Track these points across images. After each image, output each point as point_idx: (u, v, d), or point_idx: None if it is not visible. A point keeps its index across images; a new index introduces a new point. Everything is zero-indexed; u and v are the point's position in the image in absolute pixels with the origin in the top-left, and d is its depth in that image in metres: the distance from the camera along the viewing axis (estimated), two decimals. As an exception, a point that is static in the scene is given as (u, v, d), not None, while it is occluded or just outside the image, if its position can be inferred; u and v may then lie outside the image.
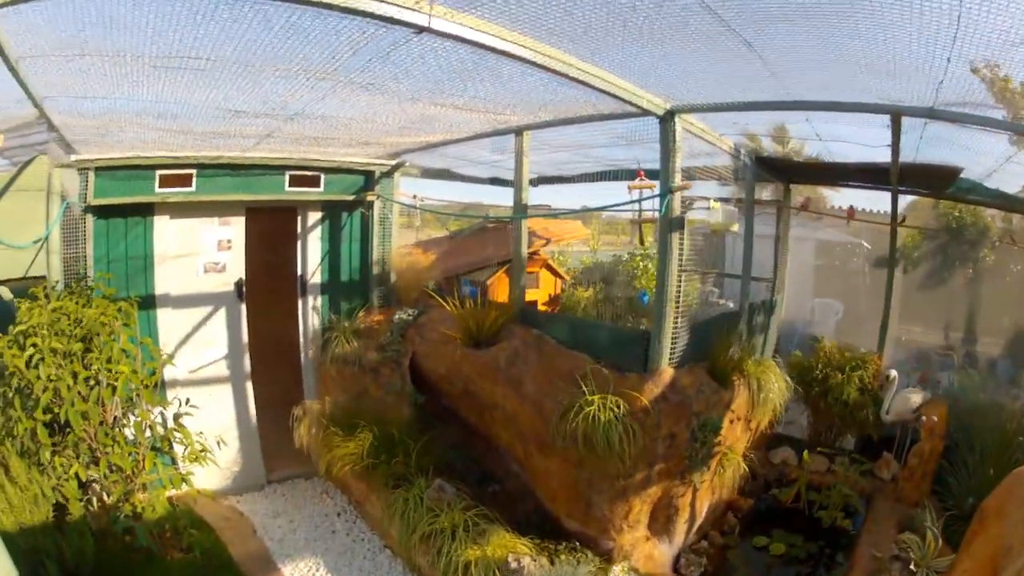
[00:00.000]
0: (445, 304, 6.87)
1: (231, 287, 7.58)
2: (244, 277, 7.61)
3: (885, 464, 6.50)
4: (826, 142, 6.50)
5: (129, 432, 5.59)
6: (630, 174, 7.32)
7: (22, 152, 6.32)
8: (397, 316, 7.49)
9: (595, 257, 10.92)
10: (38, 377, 5.07)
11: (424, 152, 7.68)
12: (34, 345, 5.12)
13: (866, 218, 9.17)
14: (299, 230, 7.92)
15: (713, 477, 5.64)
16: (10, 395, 5.10)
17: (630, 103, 4.60)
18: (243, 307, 7.66)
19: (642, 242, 8.86)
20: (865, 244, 12.18)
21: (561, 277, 8.24)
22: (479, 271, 8.05)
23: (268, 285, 7.92)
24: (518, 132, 6.30)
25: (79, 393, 5.19)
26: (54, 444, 5.21)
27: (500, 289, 7.79)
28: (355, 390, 7.25)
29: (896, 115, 4.99)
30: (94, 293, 5.96)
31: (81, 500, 5.31)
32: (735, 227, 6.16)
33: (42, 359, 5.13)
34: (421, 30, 3.18)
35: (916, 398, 6.48)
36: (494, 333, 6.30)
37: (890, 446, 6.68)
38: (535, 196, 7.81)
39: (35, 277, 6.19)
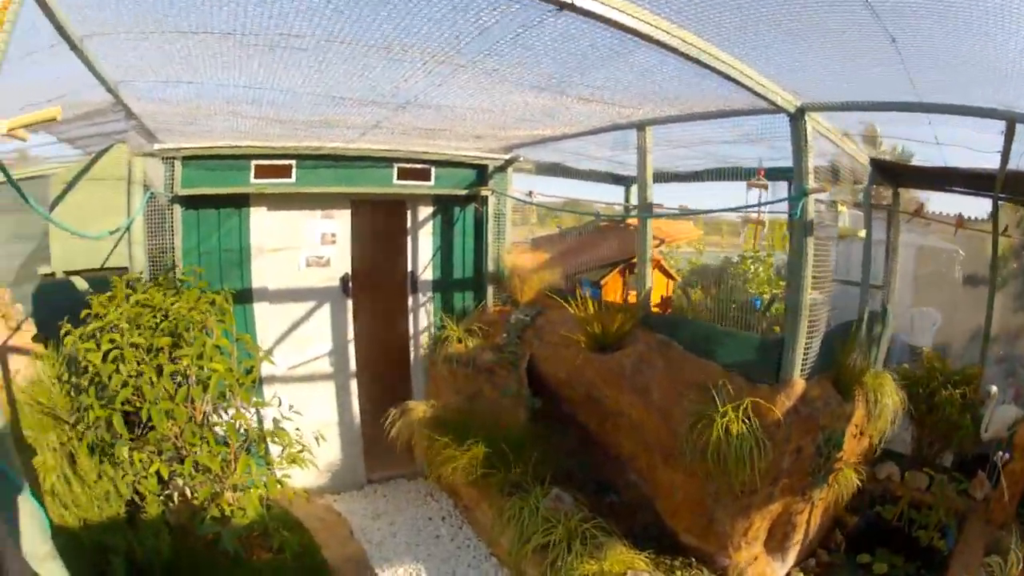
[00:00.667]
0: (566, 305, 6.10)
1: (336, 282, 6.83)
2: (350, 272, 6.87)
3: (979, 483, 5.82)
4: (939, 146, 5.81)
5: (221, 431, 4.90)
6: (746, 173, 6.43)
7: (96, 141, 5.66)
8: (514, 316, 6.66)
9: (701, 258, 10.13)
10: (117, 371, 4.38)
11: (535, 146, 6.85)
12: (112, 341, 4.47)
13: (969, 226, 8.08)
14: (409, 225, 7.14)
15: (827, 493, 5.17)
16: (84, 385, 4.50)
17: (765, 98, 4.03)
18: (349, 303, 6.93)
19: (767, 244, 8.21)
20: (960, 252, 10.94)
21: (672, 278, 7.44)
22: (593, 271, 7.27)
23: (376, 281, 7.14)
24: (640, 127, 5.52)
25: (164, 390, 4.50)
26: (132, 438, 4.55)
27: (612, 290, 7.05)
28: (468, 391, 6.49)
29: (1012, 121, 4.52)
30: (184, 286, 5.31)
31: (160, 496, 4.69)
32: (861, 233, 5.73)
33: (121, 355, 4.42)
34: (562, 7, 2.65)
35: (1011, 414, 5.77)
36: (619, 337, 5.62)
37: (984, 464, 5.99)
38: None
39: (113, 268, 5.54)
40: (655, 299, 6.49)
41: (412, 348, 7.26)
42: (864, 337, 5.87)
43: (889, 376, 5.50)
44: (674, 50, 3.11)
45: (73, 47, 2.95)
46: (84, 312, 4.62)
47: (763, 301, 6.40)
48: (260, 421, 5.25)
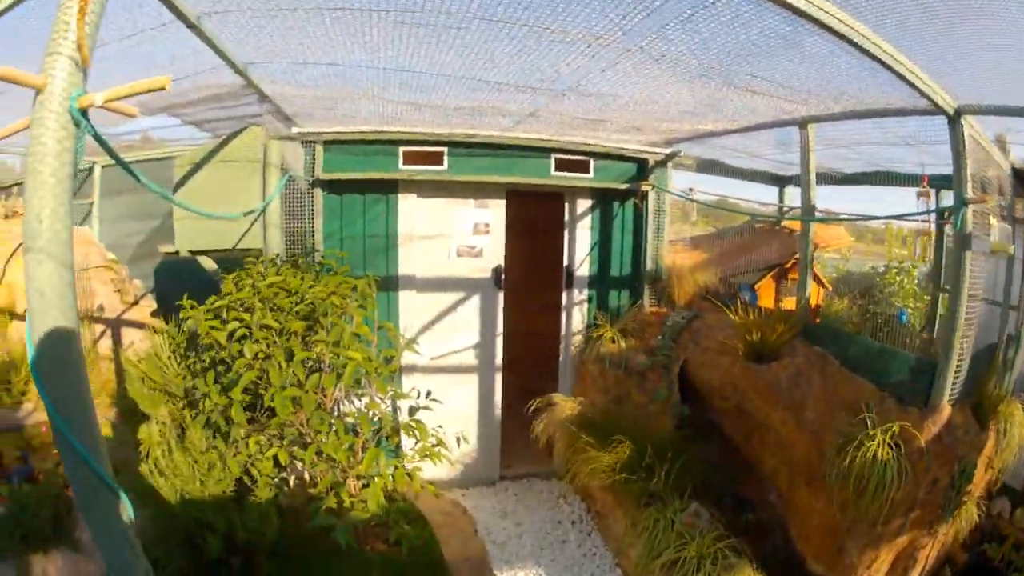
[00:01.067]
0: (725, 309, 5.75)
1: (488, 273, 6.57)
2: (502, 264, 6.60)
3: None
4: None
5: (352, 420, 4.77)
6: (904, 178, 5.96)
7: (227, 124, 5.61)
8: (670, 318, 6.29)
9: (848, 265, 9.54)
10: (240, 353, 4.26)
11: (696, 142, 6.40)
12: (239, 320, 4.37)
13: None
14: (566, 218, 6.76)
15: (949, 527, 4.84)
16: (200, 368, 4.50)
17: (927, 97, 3.70)
18: (500, 295, 6.65)
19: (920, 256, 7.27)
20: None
21: (824, 286, 6.96)
22: (748, 274, 6.88)
23: (530, 274, 6.98)
24: (802, 124, 5.08)
25: (293, 375, 4.35)
26: (251, 420, 4.45)
27: (766, 295, 6.66)
28: (616, 393, 6.18)
29: None
30: (324, 270, 5.23)
31: (275, 479, 4.60)
32: (1011, 249, 5.33)
33: (248, 334, 4.31)
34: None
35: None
36: (777, 348, 5.25)
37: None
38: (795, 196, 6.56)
39: (245, 250, 5.50)
40: (807, 307, 6.18)
41: (563, 345, 6.91)
42: (1001, 362, 5.43)
43: (1019, 405, 5.08)
44: (847, 40, 2.90)
45: (190, 25, 2.84)
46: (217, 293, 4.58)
47: (908, 315, 6.11)
48: (395, 411, 5.08)
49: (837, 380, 4.81)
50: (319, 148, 5.68)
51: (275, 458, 4.44)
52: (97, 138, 1.83)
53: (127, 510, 1.92)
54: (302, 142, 5.62)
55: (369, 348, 4.76)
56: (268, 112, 5.13)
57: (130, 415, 5.10)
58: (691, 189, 6.93)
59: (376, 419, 4.75)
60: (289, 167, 5.52)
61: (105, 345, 5.78)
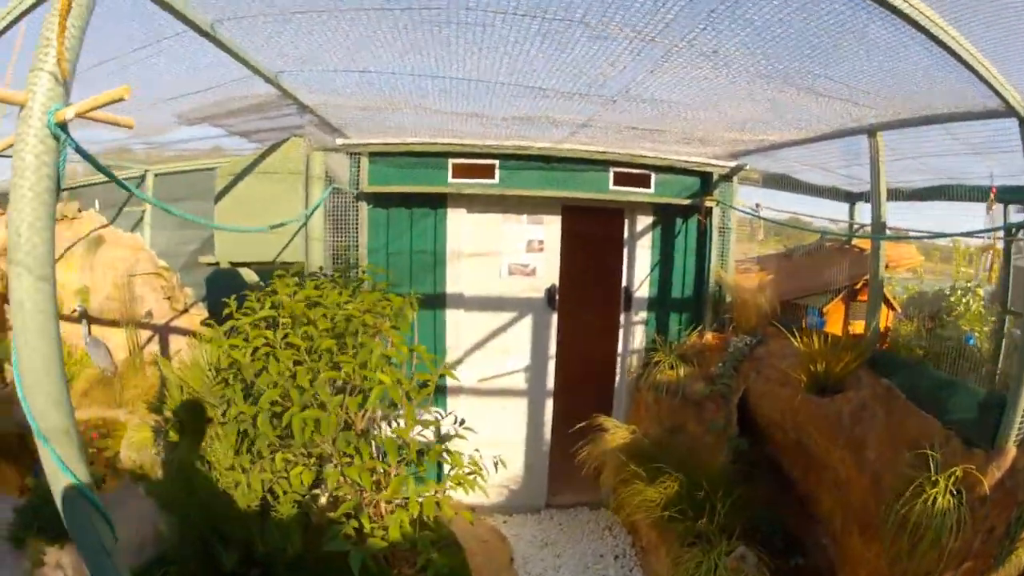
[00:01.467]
0: (790, 336, 5.32)
1: (541, 293, 6.29)
2: (557, 283, 6.30)
3: None
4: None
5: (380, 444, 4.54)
6: (974, 192, 5.42)
7: (273, 135, 5.51)
8: (732, 345, 5.89)
9: (919, 286, 8.71)
10: (266, 370, 4.07)
11: (761, 155, 6.01)
12: (264, 337, 4.18)
13: None
14: (626, 236, 6.40)
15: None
16: (230, 378, 4.35)
17: (1003, 98, 3.34)
18: (553, 316, 6.35)
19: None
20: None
21: (893, 308, 6.46)
22: (816, 296, 6.34)
23: (586, 295, 6.54)
24: (871, 133, 4.64)
25: (315, 397, 4.12)
26: (280, 436, 4.21)
27: (834, 319, 6.13)
28: (670, 423, 5.84)
29: None
30: (364, 285, 5.01)
31: (303, 496, 4.42)
32: None
33: (273, 354, 4.10)
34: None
35: None
36: (842, 379, 4.83)
37: None
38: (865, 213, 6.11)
39: (287, 263, 5.31)
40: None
41: (619, 371, 6.54)
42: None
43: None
44: (913, 22, 2.59)
45: (204, 34, 2.75)
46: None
47: (977, 340, 5.70)
48: (438, 434, 4.77)
49: (902, 416, 4.44)
50: (364, 160, 5.53)
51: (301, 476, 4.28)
52: (79, 151, 1.82)
53: (108, 530, 1.93)
54: (347, 153, 5.49)
55: (400, 370, 4.51)
56: (312, 123, 5.04)
57: (170, 422, 5.07)
58: (758, 205, 6.48)
59: (404, 444, 4.46)
60: (334, 179, 5.41)
61: (153, 351, 5.85)
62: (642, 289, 6.35)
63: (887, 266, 6.19)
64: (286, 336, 4.19)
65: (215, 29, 2.75)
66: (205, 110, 4.58)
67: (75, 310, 5.73)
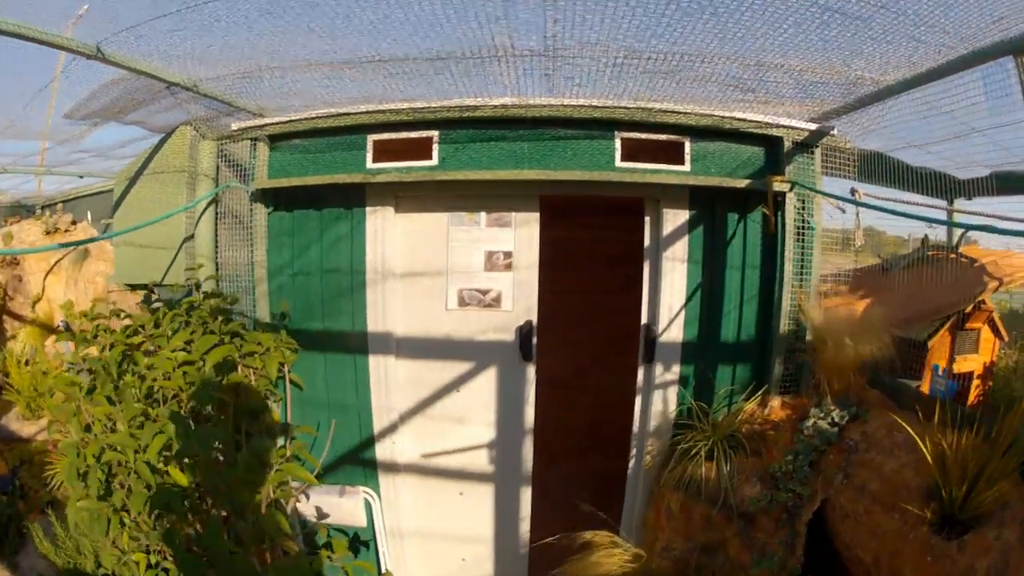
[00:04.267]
0: (897, 414, 3.26)
1: (510, 334, 4.13)
2: (535, 319, 4.13)
3: None
4: None
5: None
6: None
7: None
8: (811, 421, 3.59)
9: (1009, 301, 7.09)
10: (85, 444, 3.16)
11: (851, 119, 3.71)
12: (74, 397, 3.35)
13: None
14: (647, 242, 4.03)
15: None
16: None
17: None
18: (530, 370, 4.15)
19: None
20: None
21: (1001, 336, 4.78)
22: (918, 325, 4.28)
23: (580, 336, 4.72)
24: (1018, 52, 2.51)
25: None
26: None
27: (939, 354, 4.24)
28: (703, 541, 3.67)
29: None
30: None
31: None
32: None
33: (89, 427, 3.21)
34: None
35: None
36: (980, 504, 2.68)
37: None
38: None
39: (171, 285, 4.13)
40: (978, 368, 4.52)
41: (633, 452, 4.11)
42: None
43: None
44: None
45: None
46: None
47: None
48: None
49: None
50: (262, 147, 4.01)
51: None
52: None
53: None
54: (243, 139, 4.05)
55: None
56: (204, 107, 3.86)
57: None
58: (853, 191, 3.88)
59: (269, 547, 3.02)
60: (225, 175, 4.14)
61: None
62: (672, 329, 3.96)
63: (1001, 281, 4.47)
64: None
65: None
66: (87, 105, 3.77)
67: (58, 326, 5.87)
